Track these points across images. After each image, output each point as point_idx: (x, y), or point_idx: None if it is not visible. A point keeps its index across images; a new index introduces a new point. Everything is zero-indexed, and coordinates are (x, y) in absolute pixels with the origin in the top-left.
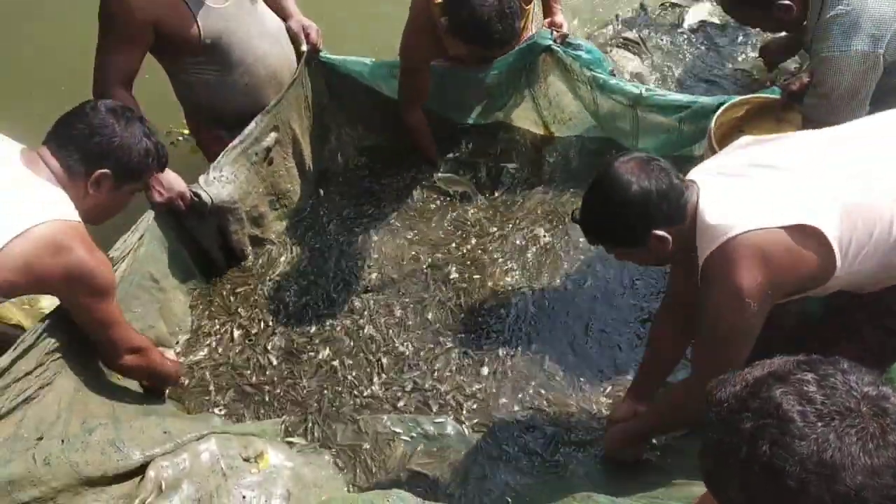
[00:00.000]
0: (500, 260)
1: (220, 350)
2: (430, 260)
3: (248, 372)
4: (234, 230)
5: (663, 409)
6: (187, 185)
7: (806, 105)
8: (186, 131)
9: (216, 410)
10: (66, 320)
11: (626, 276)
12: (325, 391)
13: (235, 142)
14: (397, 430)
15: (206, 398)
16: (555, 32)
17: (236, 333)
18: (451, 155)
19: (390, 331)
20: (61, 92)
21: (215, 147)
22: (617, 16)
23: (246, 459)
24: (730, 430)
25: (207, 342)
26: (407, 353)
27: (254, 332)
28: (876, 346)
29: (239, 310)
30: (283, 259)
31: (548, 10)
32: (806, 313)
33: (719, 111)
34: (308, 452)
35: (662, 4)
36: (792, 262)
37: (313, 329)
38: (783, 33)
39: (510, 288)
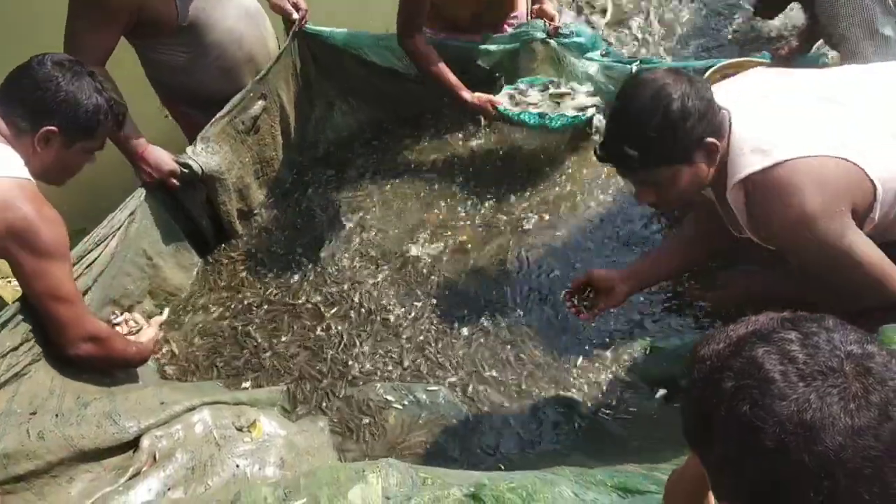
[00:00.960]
0: (490, 229)
1: (212, 321)
2: (418, 230)
3: (241, 342)
4: (223, 201)
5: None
6: (175, 157)
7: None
8: None
9: (210, 380)
10: None
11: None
12: (317, 360)
13: (223, 111)
14: (390, 397)
15: (200, 368)
16: (548, 24)
17: (228, 305)
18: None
19: (381, 300)
20: None
21: (190, 127)
22: None
23: (239, 429)
24: (711, 388)
25: (200, 314)
26: (397, 321)
27: (245, 303)
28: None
29: (230, 282)
30: (269, 229)
31: None
32: None
33: (707, 73)
34: (302, 420)
35: None
36: (845, 189)
37: (303, 299)
38: None
39: (501, 256)
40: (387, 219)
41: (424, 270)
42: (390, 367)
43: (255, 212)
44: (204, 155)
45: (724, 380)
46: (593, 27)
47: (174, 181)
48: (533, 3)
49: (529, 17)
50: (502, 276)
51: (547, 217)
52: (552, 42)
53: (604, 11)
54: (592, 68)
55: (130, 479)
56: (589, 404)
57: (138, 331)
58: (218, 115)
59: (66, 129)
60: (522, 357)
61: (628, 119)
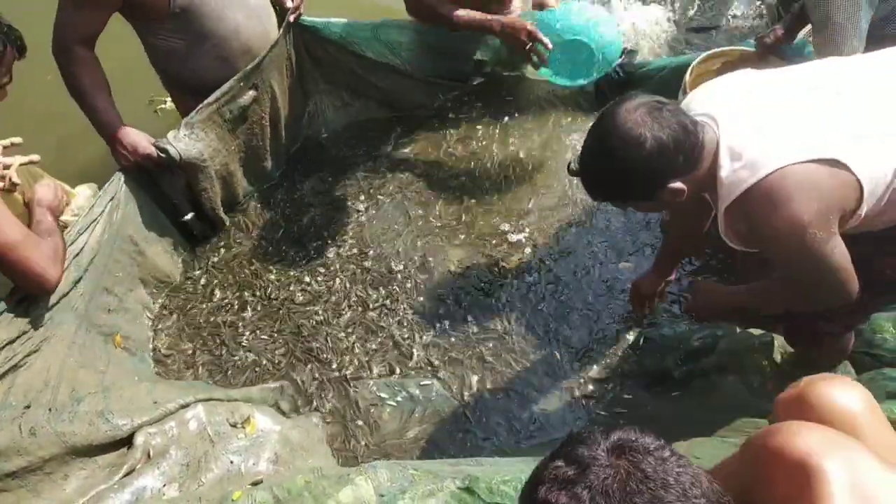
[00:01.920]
0: (483, 225)
1: (199, 318)
2: (409, 226)
3: (229, 339)
4: (204, 188)
5: (763, 293)
6: (154, 141)
7: (814, 46)
8: (169, 100)
9: (201, 376)
10: None
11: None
12: (309, 356)
13: (210, 98)
14: (383, 394)
15: (192, 365)
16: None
17: (216, 297)
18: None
19: (371, 296)
20: (47, 82)
21: (187, 112)
22: None
23: (233, 425)
24: None
25: (189, 305)
26: (388, 316)
27: (232, 298)
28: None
29: (217, 275)
30: (256, 221)
31: None
32: None
33: (694, 62)
34: (296, 417)
35: None
36: (833, 194)
37: (291, 294)
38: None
39: (495, 252)
40: (376, 214)
41: (416, 266)
42: (383, 363)
43: (242, 202)
44: (186, 141)
45: None
46: None
47: (150, 163)
48: None
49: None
50: (496, 271)
51: (543, 213)
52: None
53: None
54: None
55: (125, 476)
56: (582, 396)
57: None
58: (205, 102)
59: None
60: (516, 351)
61: (595, 159)
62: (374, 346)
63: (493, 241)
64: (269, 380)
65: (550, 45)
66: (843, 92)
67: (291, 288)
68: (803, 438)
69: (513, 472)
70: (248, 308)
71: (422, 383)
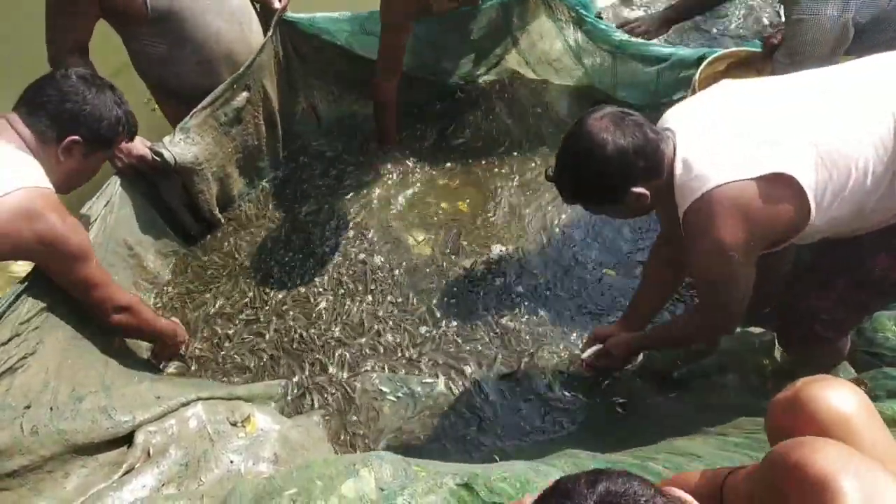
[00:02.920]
0: (480, 222)
1: (200, 314)
2: (404, 222)
3: (229, 336)
4: (200, 190)
5: (668, 331)
6: (150, 145)
7: (776, 62)
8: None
9: (203, 375)
10: (41, 289)
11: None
12: (310, 353)
13: (204, 102)
14: (385, 389)
15: (191, 364)
16: None
17: (213, 298)
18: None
19: (370, 294)
20: None
21: (173, 116)
22: None
23: (233, 424)
24: None
25: (187, 306)
26: (388, 314)
27: (232, 296)
28: (848, 298)
29: (215, 274)
30: (252, 220)
31: None
32: (799, 260)
33: (703, 65)
34: (297, 415)
35: None
36: (770, 212)
37: (289, 292)
38: None
39: (496, 251)
40: (372, 210)
41: (416, 263)
42: (384, 360)
43: (238, 202)
44: (181, 145)
45: None
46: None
47: (145, 166)
48: None
49: None
50: (497, 271)
51: (543, 212)
52: None
53: None
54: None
55: (124, 474)
56: (584, 396)
57: None
58: (199, 107)
59: (88, 140)
60: (517, 350)
61: (564, 164)
62: (374, 343)
63: (496, 240)
64: (268, 378)
65: None
66: (823, 95)
67: (290, 285)
68: (823, 455)
69: (512, 470)
70: (247, 307)
71: (423, 380)
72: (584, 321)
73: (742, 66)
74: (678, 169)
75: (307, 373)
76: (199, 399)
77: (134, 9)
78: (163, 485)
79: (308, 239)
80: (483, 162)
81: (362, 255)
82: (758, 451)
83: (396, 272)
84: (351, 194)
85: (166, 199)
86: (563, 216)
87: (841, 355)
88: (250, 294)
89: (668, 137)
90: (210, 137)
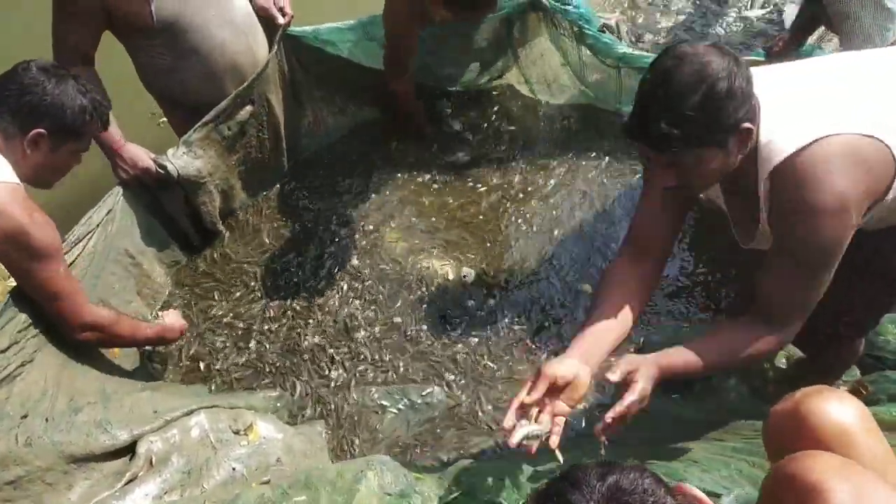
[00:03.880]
0: (482, 237)
1: (203, 323)
2: (406, 235)
3: (231, 345)
4: (203, 202)
5: (719, 352)
6: (154, 157)
7: (842, 40)
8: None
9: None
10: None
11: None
12: (312, 363)
13: (208, 116)
14: (385, 402)
15: (195, 372)
16: None
17: (216, 307)
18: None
19: (372, 304)
20: None
21: (179, 126)
22: None
23: (236, 432)
24: None
25: (190, 315)
26: (388, 326)
27: (233, 306)
28: (873, 299)
29: (217, 283)
30: (254, 232)
31: None
32: None
33: None
34: (299, 424)
35: None
36: (880, 172)
37: (293, 302)
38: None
39: (495, 264)
40: (375, 222)
41: (415, 276)
42: (384, 371)
43: (239, 212)
44: (184, 158)
45: None
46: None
47: (148, 178)
48: None
49: None
50: (496, 283)
51: (542, 226)
52: (546, 3)
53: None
54: (583, 51)
55: (127, 483)
56: (584, 403)
57: None
58: (203, 121)
59: (54, 132)
60: (516, 358)
61: (667, 96)
62: (374, 354)
63: (497, 253)
64: (269, 388)
65: None
66: (876, 82)
67: (292, 295)
68: (820, 463)
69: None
70: (247, 317)
71: (423, 391)
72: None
73: None
74: (767, 122)
75: (308, 383)
76: (200, 408)
77: (140, 19)
78: (165, 492)
79: (309, 249)
80: (486, 174)
81: (366, 269)
82: (756, 455)
83: (401, 284)
84: (354, 205)
85: (169, 209)
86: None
87: (856, 356)
88: (252, 303)
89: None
90: (213, 151)
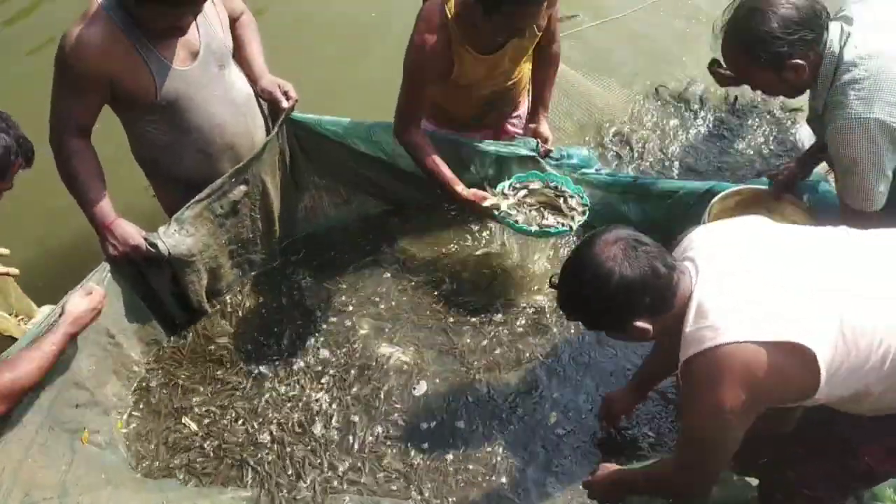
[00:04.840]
0: (467, 336)
1: (178, 410)
2: (395, 331)
3: (205, 436)
4: (191, 281)
5: (649, 477)
6: (144, 235)
7: (839, 191)
8: None
9: (174, 475)
10: None
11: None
12: (280, 462)
13: (202, 194)
14: None
15: (165, 463)
16: (540, 144)
17: (192, 393)
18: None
19: (352, 407)
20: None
21: (168, 202)
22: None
23: None
24: None
25: (162, 401)
26: (365, 428)
27: (209, 393)
28: (833, 478)
29: (195, 368)
30: (239, 312)
31: (533, 116)
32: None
33: (714, 200)
34: None
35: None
36: (778, 382)
37: (270, 394)
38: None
39: (478, 368)
40: (367, 315)
41: (397, 376)
42: (359, 478)
43: (226, 293)
44: (175, 237)
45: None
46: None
47: (138, 257)
48: (529, 123)
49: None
50: (477, 389)
51: (528, 327)
52: (542, 162)
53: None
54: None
55: None
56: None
57: None
58: (196, 199)
59: None
60: (492, 469)
61: (568, 284)
62: (351, 461)
63: (480, 356)
64: (234, 484)
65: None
66: (861, 263)
67: (271, 387)
68: None
69: None
70: (224, 407)
71: (398, 502)
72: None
73: (752, 205)
74: (691, 312)
75: (279, 485)
76: None
77: (144, 95)
78: None
79: (296, 340)
80: (487, 283)
81: (352, 367)
82: None
83: (386, 385)
84: (348, 297)
85: (154, 287)
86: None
87: None
88: (229, 389)
89: (684, 270)
90: (205, 229)
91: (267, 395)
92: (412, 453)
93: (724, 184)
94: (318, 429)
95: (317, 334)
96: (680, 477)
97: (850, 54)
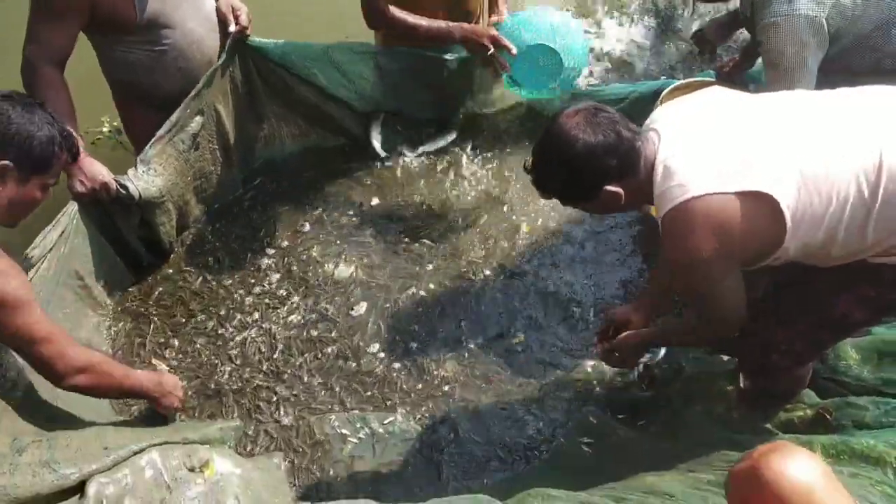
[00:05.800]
0: (436, 260)
1: (152, 347)
2: (361, 257)
3: (186, 371)
4: (161, 222)
5: (676, 332)
6: (115, 177)
7: (767, 84)
8: (106, 128)
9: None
10: None
11: (589, 246)
12: (265, 391)
13: (161, 132)
14: (345, 431)
15: (144, 404)
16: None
17: (165, 332)
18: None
19: (323, 327)
20: None
21: (143, 128)
22: None
23: (191, 469)
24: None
25: (139, 342)
26: (344, 349)
27: (182, 329)
28: (807, 334)
29: (165, 304)
30: (206, 248)
31: (494, 8)
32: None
33: (662, 95)
34: (257, 457)
35: None
36: (746, 229)
37: (242, 323)
38: (717, 15)
39: (453, 285)
40: (332, 244)
41: (371, 297)
42: (343, 398)
43: (192, 229)
44: (145, 178)
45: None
46: None
47: (106, 194)
48: (490, 16)
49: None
50: (459, 303)
51: (507, 243)
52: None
53: None
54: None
55: None
56: (547, 427)
57: None
58: (156, 136)
59: (20, 164)
60: (480, 381)
61: (538, 159)
62: (332, 382)
63: (456, 274)
64: (221, 417)
65: (514, 50)
66: (814, 119)
67: (243, 319)
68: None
69: None
70: (199, 339)
71: (385, 419)
72: (549, 353)
73: None
74: (658, 174)
75: (263, 412)
76: (151, 446)
77: (125, 16)
78: None
79: (263, 271)
80: (447, 198)
81: (322, 293)
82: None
83: (356, 308)
84: (310, 226)
85: (122, 229)
86: (537, 242)
87: (802, 384)
88: (201, 326)
89: (648, 138)
90: (172, 167)
91: (233, 329)
92: (387, 366)
93: (672, 80)
94: (290, 356)
95: (275, 260)
96: (707, 327)
97: None
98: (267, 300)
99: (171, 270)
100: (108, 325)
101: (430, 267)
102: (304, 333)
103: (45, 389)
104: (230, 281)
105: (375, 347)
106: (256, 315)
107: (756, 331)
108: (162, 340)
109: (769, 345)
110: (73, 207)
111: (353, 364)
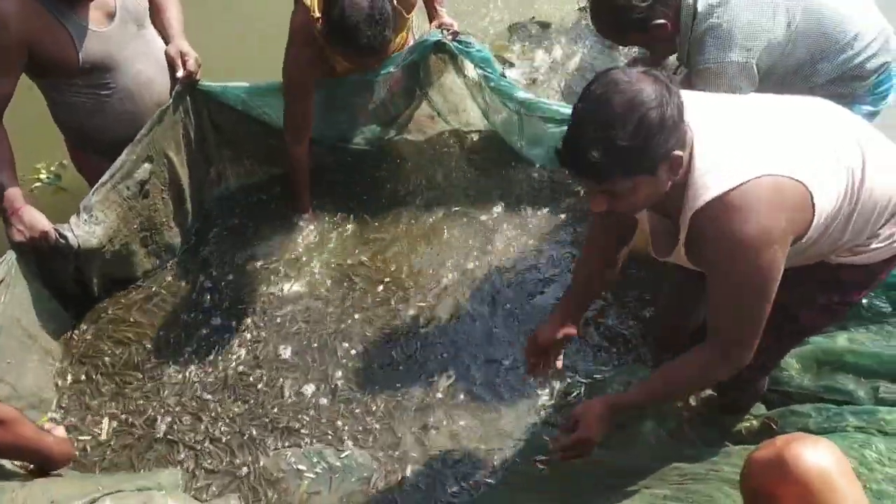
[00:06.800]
0: (388, 297)
1: (97, 399)
2: (311, 302)
3: (136, 418)
4: (93, 275)
5: (665, 381)
6: (54, 226)
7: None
8: (44, 175)
9: (109, 458)
10: None
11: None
12: (214, 432)
13: (105, 177)
14: (301, 467)
15: (98, 446)
16: (445, 32)
17: (112, 380)
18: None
19: (275, 371)
20: None
21: (92, 173)
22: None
23: None
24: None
25: (85, 390)
26: (296, 386)
27: (128, 376)
28: (773, 346)
29: (113, 352)
30: (158, 298)
31: (433, 15)
32: None
33: None
34: (213, 500)
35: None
36: (797, 208)
37: (191, 367)
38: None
39: (405, 315)
40: (285, 286)
41: (319, 330)
42: (297, 434)
43: (142, 280)
44: (85, 228)
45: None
46: None
47: (44, 244)
48: (431, 22)
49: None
50: (413, 338)
51: (458, 271)
52: (450, 44)
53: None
54: (486, 94)
55: None
56: (510, 453)
57: None
58: (100, 181)
59: None
60: (436, 410)
61: (597, 125)
62: (284, 418)
63: (410, 305)
64: (171, 464)
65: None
66: (792, 121)
67: (193, 362)
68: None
69: None
70: (145, 387)
71: (342, 454)
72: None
73: None
74: (697, 160)
75: (214, 455)
76: (105, 495)
77: (66, 60)
78: None
79: (215, 319)
80: (397, 223)
81: (273, 334)
82: (685, 502)
83: (315, 342)
84: (260, 263)
85: (59, 276)
86: (488, 264)
87: (759, 394)
88: (149, 373)
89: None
90: (115, 214)
91: (173, 372)
92: (339, 400)
93: None
94: (237, 396)
95: (237, 312)
96: (724, 363)
97: (702, 5)
98: (213, 338)
99: (119, 318)
100: (54, 373)
101: (378, 298)
102: (250, 370)
103: None
104: (175, 321)
105: (328, 381)
106: (202, 356)
107: None
108: (105, 391)
109: None
110: (11, 256)
111: (306, 399)
